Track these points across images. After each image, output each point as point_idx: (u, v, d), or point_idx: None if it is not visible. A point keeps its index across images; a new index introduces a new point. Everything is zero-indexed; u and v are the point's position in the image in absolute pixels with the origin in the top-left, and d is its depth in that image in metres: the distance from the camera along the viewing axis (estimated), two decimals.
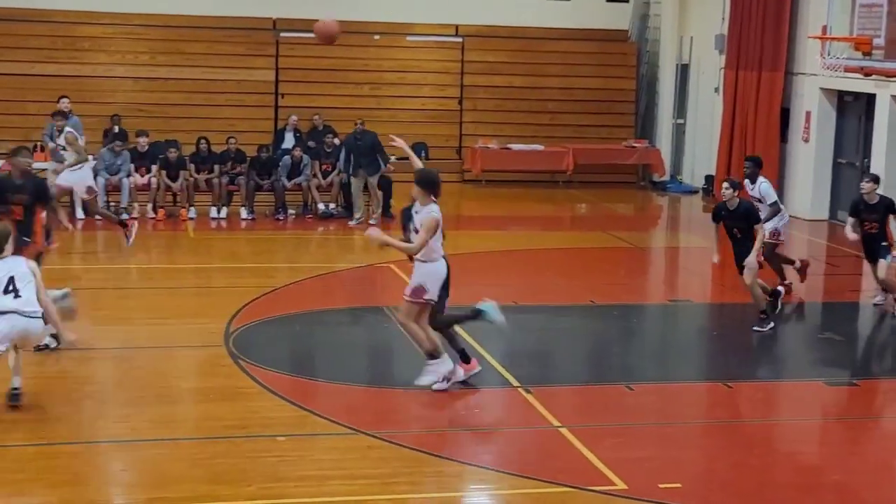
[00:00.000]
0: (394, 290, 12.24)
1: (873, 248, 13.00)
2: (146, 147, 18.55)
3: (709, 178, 23.06)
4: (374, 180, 18.08)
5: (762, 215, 12.59)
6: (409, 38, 24.14)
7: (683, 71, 24.15)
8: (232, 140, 18.74)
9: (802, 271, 13.98)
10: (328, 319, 11.96)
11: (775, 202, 13.34)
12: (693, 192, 23.54)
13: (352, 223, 17.89)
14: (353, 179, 18.18)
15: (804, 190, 20.24)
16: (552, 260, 15.67)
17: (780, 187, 20.77)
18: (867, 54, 17.65)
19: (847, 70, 17.86)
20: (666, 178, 24.29)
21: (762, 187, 13.29)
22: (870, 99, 18.60)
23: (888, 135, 17.84)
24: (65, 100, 17.15)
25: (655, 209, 22.71)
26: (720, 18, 22.51)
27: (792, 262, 13.94)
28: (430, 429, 9.08)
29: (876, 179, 13.16)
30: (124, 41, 22.87)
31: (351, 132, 18.63)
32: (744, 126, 21.44)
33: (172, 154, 18.21)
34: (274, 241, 17.04)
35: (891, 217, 13.05)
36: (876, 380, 10.99)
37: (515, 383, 9.99)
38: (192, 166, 18.38)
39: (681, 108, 24.35)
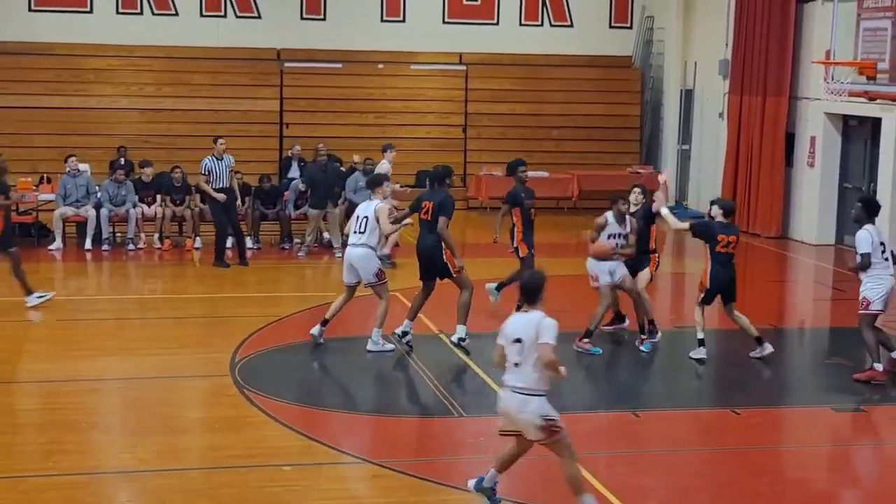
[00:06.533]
0: (400, 319, 12.20)
1: None
2: (150, 177, 18.59)
3: None
4: (337, 211, 17.87)
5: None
6: (412, 66, 24.22)
7: (688, 96, 24.18)
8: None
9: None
10: (334, 348, 11.94)
11: (866, 255, 10.93)
12: (698, 217, 23.49)
13: (301, 254, 17.67)
14: (313, 213, 17.81)
15: (810, 215, 20.22)
16: (557, 286, 15.59)
17: (785, 213, 20.81)
18: (871, 78, 17.60)
19: (851, 95, 17.83)
20: (671, 203, 24.27)
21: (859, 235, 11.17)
22: (875, 123, 18.60)
23: (894, 159, 17.81)
24: (220, 141, 17.18)
25: (660, 235, 22.61)
26: (724, 44, 22.54)
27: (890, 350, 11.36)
28: (436, 457, 9.04)
29: None
30: (129, 73, 22.98)
31: (313, 160, 18.54)
32: (749, 151, 21.45)
33: (177, 174, 18.31)
34: (280, 270, 17.04)
35: None
36: (884, 406, 10.91)
37: None
38: (198, 196, 18.37)
39: (685, 133, 24.36)
